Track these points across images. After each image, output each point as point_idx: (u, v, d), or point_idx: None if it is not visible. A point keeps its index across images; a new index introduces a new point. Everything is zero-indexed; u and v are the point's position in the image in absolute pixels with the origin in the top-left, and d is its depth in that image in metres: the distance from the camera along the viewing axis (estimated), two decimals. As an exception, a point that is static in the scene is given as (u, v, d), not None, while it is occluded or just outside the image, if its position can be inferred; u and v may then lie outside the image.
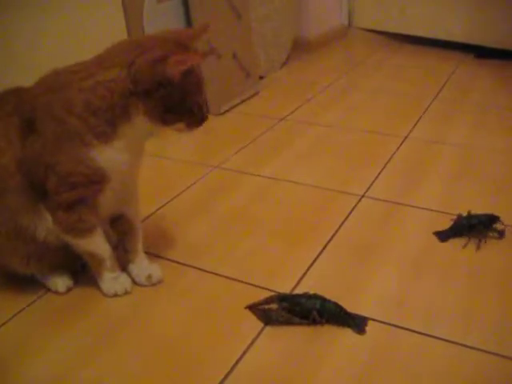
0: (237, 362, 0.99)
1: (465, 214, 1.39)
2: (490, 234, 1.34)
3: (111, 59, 0.98)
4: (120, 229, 1.18)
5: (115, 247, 1.18)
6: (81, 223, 1.07)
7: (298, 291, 1.16)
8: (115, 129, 0.99)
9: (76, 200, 1.04)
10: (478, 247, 1.31)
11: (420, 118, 2.13)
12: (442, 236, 1.35)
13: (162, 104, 0.98)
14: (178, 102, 0.99)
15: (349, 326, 1.07)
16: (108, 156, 1.01)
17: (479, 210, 1.41)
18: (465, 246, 1.31)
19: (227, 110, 2.21)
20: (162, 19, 1.92)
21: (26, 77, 1.06)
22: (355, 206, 1.50)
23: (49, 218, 1.07)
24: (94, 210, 1.07)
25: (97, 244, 1.12)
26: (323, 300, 1.08)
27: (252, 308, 1.11)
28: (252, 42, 2.38)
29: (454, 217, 1.39)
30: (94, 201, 1.06)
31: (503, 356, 1.00)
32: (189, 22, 2.04)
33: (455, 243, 1.32)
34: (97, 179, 1.02)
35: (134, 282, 1.20)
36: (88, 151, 0.99)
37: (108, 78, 0.96)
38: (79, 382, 0.97)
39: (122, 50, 1.00)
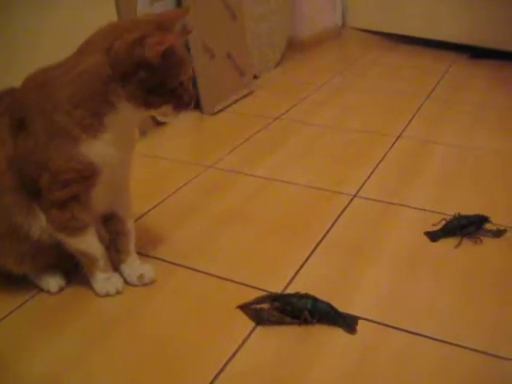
0: (228, 362, 1.00)
1: (461, 213, 1.40)
2: (482, 234, 1.35)
3: (90, 46, 0.98)
4: (112, 229, 1.18)
5: (107, 247, 1.18)
6: (74, 221, 1.07)
7: (289, 291, 1.16)
8: (101, 120, 0.98)
9: (69, 197, 1.04)
10: (476, 242, 1.33)
11: (413, 117, 2.14)
12: (433, 236, 1.35)
13: (143, 86, 0.96)
14: (159, 83, 0.96)
15: (340, 325, 1.07)
16: (98, 149, 1.00)
17: (471, 210, 1.41)
18: (457, 247, 1.32)
19: (221, 110, 2.21)
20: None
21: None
22: (347, 205, 1.50)
23: (42, 216, 1.07)
24: (87, 207, 1.07)
25: (89, 243, 1.12)
26: (314, 300, 1.09)
27: (244, 308, 1.12)
28: (246, 42, 2.39)
29: (446, 217, 1.40)
30: (87, 198, 1.06)
31: (495, 355, 1.01)
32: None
33: (446, 243, 1.33)
34: (88, 174, 1.02)
35: (126, 282, 1.20)
36: (77, 146, 0.99)
37: (87, 66, 0.96)
38: (71, 381, 0.97)
39: (100, 35, 0.99)
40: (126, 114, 1.00)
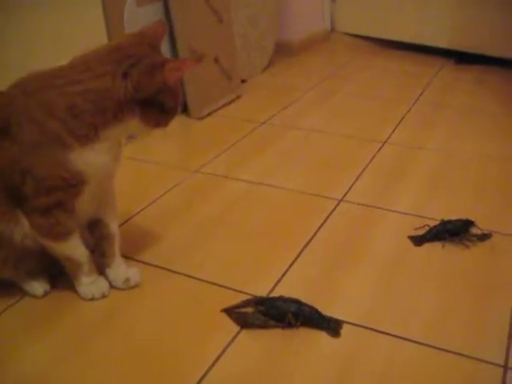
0: (212, 366, 1.00)
1: (445, 218, 1.40)
2: (467, 239, 1.36)
3: (100, 67, 1.00)
4: (97, 233, 1.18)
5: (92, 251, 1.18)
6: (58, 227, 1.07)
7: (274, 295, 1.17)
8: (98, 132, 1.00)
9: (53, 204, 1.04)
10: (466, 246, 1.34)
11: (399, 122, 2.15)
12: (417, 241, 1.36)
13: (160, 108, 1.02)
14: (170, 104, 1.03)
15: (324, 329, 1.08)
16: (87, 158, 1.01)
17: (456, 214, 1.43)
18: (442, 248, 1.33)
19: (208, 114, 2.21)
20: (142, 23, 1.91)
21: None
22: (333, 210, 1.51)
23: (25, 222, 1.06)
24: (72, 214, 1.07)
25: (74, 248, 1.12)
26: (299, 303, 1.10)
27: (228, 311, 1.12)
28: (234, 46, 2.39)
29: (430, 222, 1.41)
30: (72, 205, 1.06)
31: (477, 359, 1.02)
32: (169, 25, 2.04)
33: (430, 248, 1.34)
34: (75, 182, 1.03)
35: (112, 286, 1.20)
36: (67, 154, 0.99)
37: (100, 87, 0.98)
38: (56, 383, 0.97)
39: (107, 58, 1.01)
40: (129, 129, 1.05)
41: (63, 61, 1.03)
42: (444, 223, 1.38)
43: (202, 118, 2.18)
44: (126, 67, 0.99)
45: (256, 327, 1.08)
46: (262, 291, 1.19)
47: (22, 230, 1.07)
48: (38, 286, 1.18)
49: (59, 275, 1.20)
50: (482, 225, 1.39)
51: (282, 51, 3.03)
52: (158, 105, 1.02)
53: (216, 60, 2.24)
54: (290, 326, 1.08)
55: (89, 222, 1.17)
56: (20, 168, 1.01)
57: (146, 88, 0.99)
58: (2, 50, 1.50)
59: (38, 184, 1.01)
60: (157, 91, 1.00)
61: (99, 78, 0.99)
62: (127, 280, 1.20)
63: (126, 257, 1.26)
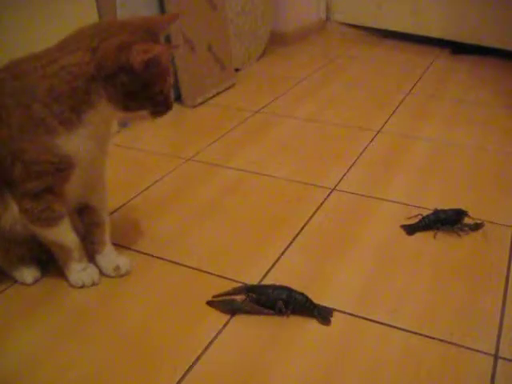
0: (202, 353, 1.00)
1: (438, 208, 1.40)
2: (459, 228, 1.36)
3: (75, 43, 0.98)
4: (87, 220, 1.18)
5: (83, 239, 1.18)
6: (47, 212, 1.06)
7: (266, 282, 1.16)
8: (80, 115, 0.98)
9: (42, 188, 1.03)
10: (459, 235, 1.34)
11: (393, 112, 2.14)
12: (410, 230, 1.36)
13: (123, 90, 0.97)
14: (139, 89, 0.98)
15: (315, 316, 1.08)
16: (74, 143, 1.00)
17: (449, 204, 1.43)
18: (434, 237, 1.33)
19: (202, 102, 2.20)
20: (135, 9, 1.90)
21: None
22: (326, 199, 1.51)
23: (15, 207, 1.06)
24: (61, 198, 1.07)
25: (64, 234, 1.11)
26: (290, 291, 1.09)
27: (212, 303, 1.11)
28: (228, 34, 2.38)
29: (423, 211, 1.41)
30: (61, 189, 1.05)
31: (468, 348, 1.02)
32: (163, 11, 2.03)
33: (422, 237, 1.34)
34: (63, 167, 1.02)
35: (102, 274, 1.19)
36: (53, 138, 0.98)
37: (71, 62, 0.96)
38: (45, 370, 0.96)
39: (86, 34, 0.98)
40: (105, 113, 1.01)
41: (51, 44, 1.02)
42: (437, 212, 1.38)
43: (195, 107, 2.17)
44: (97, 42, 0.96)
45: (245, 313, 1.08)
46: (253, 279, 1.18)
47: (12, 215, 1.07)
48: (28, 273, 1.17)
49: (49, 262, 1.19)
50: (474, 214, 1.39)
51: (277, 41, 3.02)
52: (122, 86, 0.97)
53: (209, 48, 2.23)
54: (280, 313, 1.07)
55: (79, 208, 1.16)
56: (9, 152, 1.00)
57: (108, 64, 0.95)
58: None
59: (27, 168, 1.00)
60: (119, 70, 0.95)
61: (72, 53, 0.96)
62: (117, 268, 1.19)
63: (117, 244, 1.26)
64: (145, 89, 0.98)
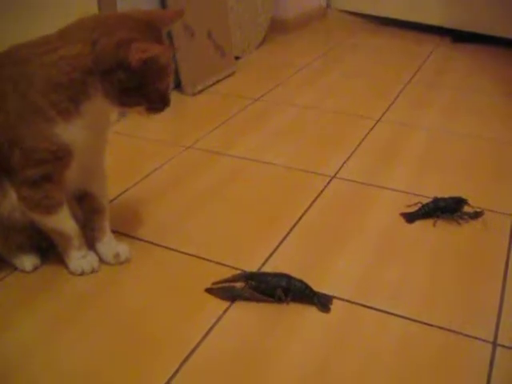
0: (202, 340, 1.00)
1: (438, 196, 1.40)
2: (459, 216, 1.35)
3: (76, 34, 0.97)
4: (87, 207, 1.17)
5: (83, 226, 1.18)
6: (46, 200, 1.06)
7: (265, 270, 1.17)
8: (78, 106, 0.98)
9: (41, 176, 1.03)
10: (458, 224, 1.34)
11: (394, 100, 2.14)
12: (409, 218, 1.36)
13: (119, 87, 0.97)
14: (135, 87, 0.97)
15: (314, 304, 1.08)
16: (72, 132, 1.00)
17: (449, 192, 1.43)
18: (434, 225, 1.33)
19: (201, 90, 2.20)
20: (135, 1, 1.88)
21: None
22: (325, 186, 1.51)
23: (13, 195, 1.05)
24: (60, 186, 1.06)
25: (63, 221, 1.11)
26: (289, 278, 1.09)
27: (211, 290, 1.11)
28: (228, 22, 2.37)
29: (423, 199, 1.41)
30: (60, 177, 1.05)
31: (467, 335, 1.02)
32: (163, 3, 2.01)
33: (421, 225, 1.34)
34: (61, 155, 1.01)
35: (102, 261, 1.19)
36: (51, 127, 0.98)
37: (71, 53, 0.95)
38: (43, 357, 0.97)
39: (88, 25, 0.98)
40: (102, 105, 1.00)
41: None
42: (436, 201, 1.38)
43: (195, 94, 2.16)
44: (98, 35, 0.95)
45: (244, 299, 1.08)
46: (252, 266, 1.18)
47: (10, 203, 1.06)
48: (28, 261, 1.17)
49: (49, 250, 1.19)
50: (474, 203, 1.39)
51: (277, 28, 3.00)
52: (118, 82, 0.96)
53: (209, 35, 2.22)
54: (280, 300, 1.08)
55: (79, 195, 1.16)
56: (7, 139, 0.99)
57: (106, 59, 0.94)
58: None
59: (26, 156, 1.00)
60: (117, 66, 0.94)
61: (72, 44, 0.96)
62: (117, 255, 1.19)
63: (117, 232, 1.25)
64: (141, 87, 0.98)
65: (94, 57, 0.95)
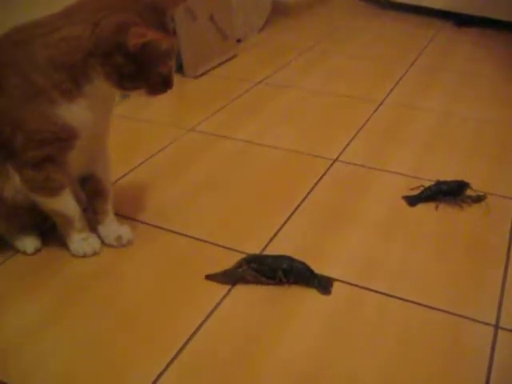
0: (202, 323, 1.00)
1: (440, 179, 1.40)
2: (461, 200, 1.35)
3: (78, 14, 0.96)
4: (90, 189, 1.17)
5: (85, 209, 1.17)
6: (49, 182, 1.06)
7: (266, 253, 1.17)
8: (80, 87, 0.98)
9: (44, 158, 1.02)
10: (461, 207, 1.34)
11: (397, 83, 2.13)
12: (412, 201, 1.36)
13: (118, 70, 0.96)
14: (134, 71, 0.96)
15: (315, 286, 1.08)
16: (74, 113, 0.99)
17: (451, 176, 1.42)
18: (436, 208, 1.33)
19: (203, 73, 2.19)
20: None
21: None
22: (328, 169, 1.50)
23: (16, 177, 1.05)
24: (63, 168, 1.06)
25: (65, 204, 1.11)
26: (291, 260, 1.09)
27: (211, 277, 1.11)
28: (230, 4, 2.35)
29: (425, 183, 1.40)
30: (63, 159, 1.05)
31: (469, 318, 1.02)
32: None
33: (423, 208, 1.34)
34: (64, 136, 1.01)
35: (104, 243, 1.19)
36: (54, 108, 0.97)
37: (72, 35, 0.95)
38: (45, 340, 0.97)
39: (90, 6, 0.97)
40: (102, 88, 1.00)
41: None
42: (439, 184, 1.38)
43: (197, 77, 2.15)
44: (100, 17, 0.94)
45: (246, 282, 1.09)
46: (254, 249, 1.18)
47: (13, 185, 1.06)
48: (29, 243, 1.17)
49: (51, 231, 1.19)
50: (476, 186, 1.38)
51: (280, 11, 2.98)
52: (117, 65, 0.95)
53: (211, 18, 2.20)
54: (280, 283, 1.08)
55: (81, 177, 1.16)
56: (10, 121, 0.99)
57: (105, 42, 0.94)
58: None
59: (28, 138, 1.00)
60: (116, 50, 0.94)
61: (74, 25, 0.95)
62: (119, 237, 1.19)
63: (119, 214, 1.25)
64: (142, 70, 0.97)
65: (94, 39, 0.94)
